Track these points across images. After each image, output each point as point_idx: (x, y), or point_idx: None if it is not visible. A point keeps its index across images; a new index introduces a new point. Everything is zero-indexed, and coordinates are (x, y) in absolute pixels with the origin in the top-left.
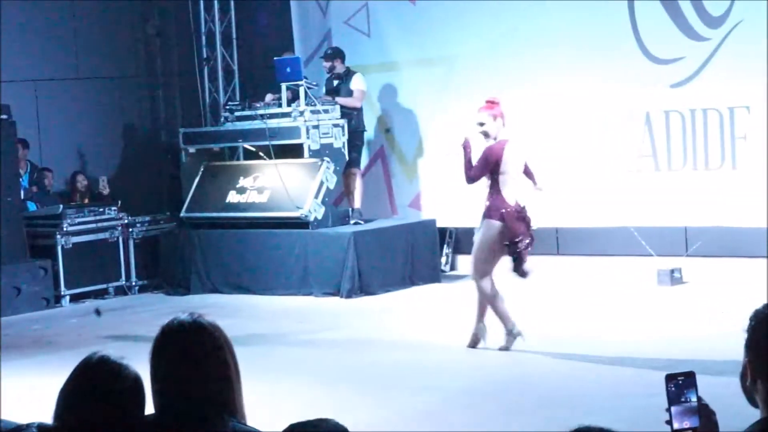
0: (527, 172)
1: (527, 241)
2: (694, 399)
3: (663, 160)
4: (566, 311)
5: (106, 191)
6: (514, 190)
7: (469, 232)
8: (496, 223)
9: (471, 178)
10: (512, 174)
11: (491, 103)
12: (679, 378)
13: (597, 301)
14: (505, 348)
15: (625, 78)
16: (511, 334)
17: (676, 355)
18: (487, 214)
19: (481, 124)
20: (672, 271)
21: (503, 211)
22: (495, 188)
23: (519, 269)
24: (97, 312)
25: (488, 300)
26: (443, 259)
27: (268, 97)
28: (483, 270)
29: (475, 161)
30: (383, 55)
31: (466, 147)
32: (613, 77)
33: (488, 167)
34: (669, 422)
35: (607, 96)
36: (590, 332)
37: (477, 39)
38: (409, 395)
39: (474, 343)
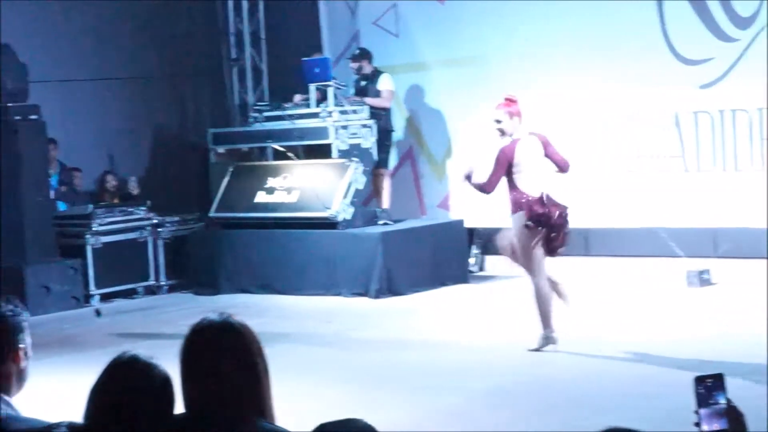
0: (551, 156)
1: (555, 218)
2: (723, 401)
3: (692, 160)
4: (593, 312)
5: (135, 191)
6: (532, 183)
7: (498, 232)
8: (520, 213)
9: (490, 187)
10: (527, 169)
11: (509, 101)
12: (708, 380)
13: (625, 303)
14: (536, 349)
15: (654, 79)
16: (547, 339)
17: (705, 356)
18: (512, 211)
19: (498, 122)
20: (701, 273)
21: (523, 200)
22: (512, 185)
23: (551, 246)
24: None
25: (537, 298)
26: (472, 260)
27: (297, 97)
28: (530, 267)
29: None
30: (412, 55)
31: (469, 178)
32: (643, 78)
33: (503, 170)
34: (698, 424)
35: (636, 96)
36: (618, 333)
37: (506, 39)
38: (435, 395)
39: (542, 346)
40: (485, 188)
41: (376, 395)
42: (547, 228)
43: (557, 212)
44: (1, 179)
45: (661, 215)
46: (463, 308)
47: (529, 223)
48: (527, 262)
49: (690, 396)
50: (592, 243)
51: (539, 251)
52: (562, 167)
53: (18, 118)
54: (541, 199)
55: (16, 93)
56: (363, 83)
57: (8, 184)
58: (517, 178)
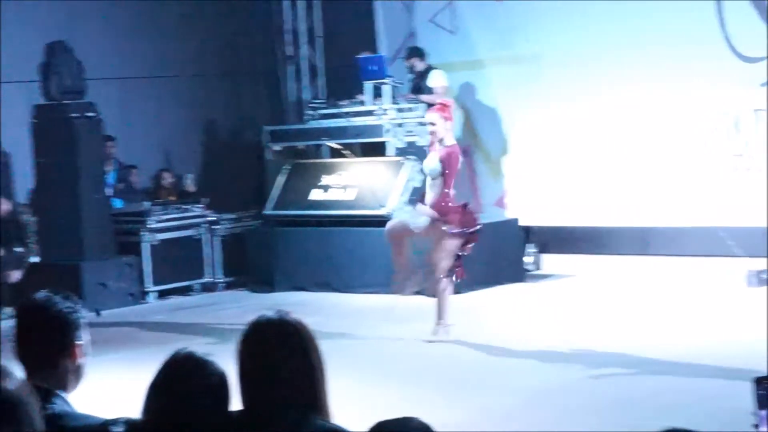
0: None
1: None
2: None
3: (753, 159)
4: (651, 312)
5: (191, 188)
6: (453, 190)
7: (555, 231)
8: (451, 216)
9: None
10: (454, 175)
11: (443, 105)
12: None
13: (683, 303)
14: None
15: (715, 77)
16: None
17: (764, 358)
18: (439, 212)
19: (432, 124)
20: (760, 272)
21: (453, 205)
22: (445, 187)
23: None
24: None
25: (446, 295)
26: (528, 259)
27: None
28: (445, 267)
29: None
30: (468, 52)
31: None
32: (702, 76)
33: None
34: (756, 426)
35: (696, 95)
36: (674, 334)
37: (563, 37)
38: (487, 394)
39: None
40: (447, 192)
41: (431, 393)
42: (468, 234)
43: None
44: (58, 176)
45: (721, 214)
46: (518, 307)
47: (477, 228)
48: (446, 262)
49: (745, 397)
50: (651, 242)
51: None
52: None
53: (75, 115)
54: (465, 205)
55: (74, 90)
56: (417, 80)
57: (66, 181)
58: (449, 183)
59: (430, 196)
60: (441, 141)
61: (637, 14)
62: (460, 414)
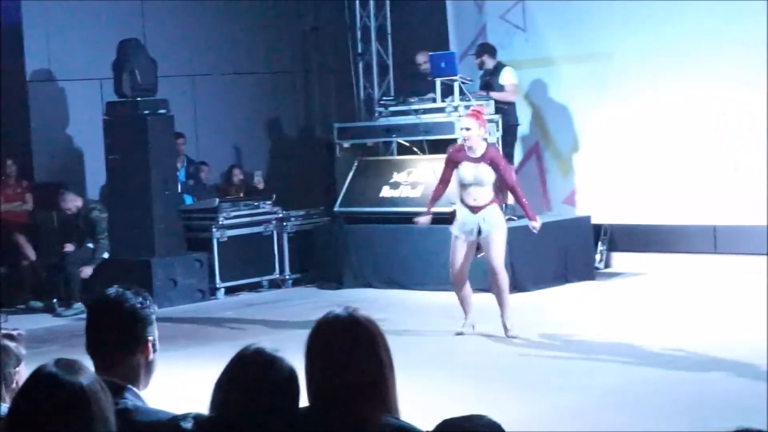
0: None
1: None
2: None
3: None
4: (721, 311)
5: (261, 185)
6: None
7: (626, 229)
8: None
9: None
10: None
11: (477, 112)
12: None
13: (754, 302)
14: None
15: None
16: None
17: None
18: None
19: (468, 129)
20: None
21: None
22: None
23: None
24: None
25: (507, 289)
26: (598, 256)
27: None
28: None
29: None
30: (539, 50)
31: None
32: None
33: None
34: None
35: (764, 94)
36: (746, 333)
37: (635, 36)
38: (559, 393)
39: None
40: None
41: (499, 392)
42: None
43: None
44: (130, 173)
45: None
46: (587, 306)
47: None
48: (503, 254)
49: None
50: (721, 240)
51: None
52: None
53: (147, 112)
54: None
55: (146, 87)
56: (487, 78)
57: (137, 177)
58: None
59: (476, 199)
60: (471, 149)
61: (707, 13)
62: (530, 412)
